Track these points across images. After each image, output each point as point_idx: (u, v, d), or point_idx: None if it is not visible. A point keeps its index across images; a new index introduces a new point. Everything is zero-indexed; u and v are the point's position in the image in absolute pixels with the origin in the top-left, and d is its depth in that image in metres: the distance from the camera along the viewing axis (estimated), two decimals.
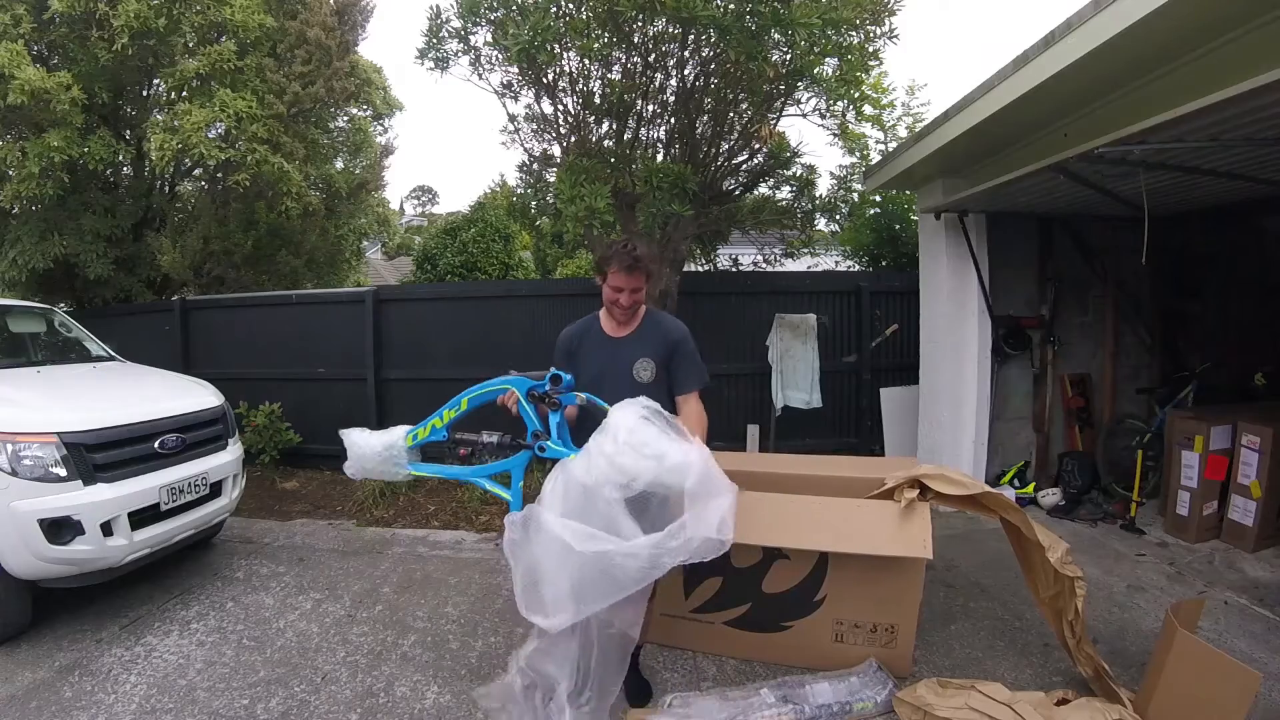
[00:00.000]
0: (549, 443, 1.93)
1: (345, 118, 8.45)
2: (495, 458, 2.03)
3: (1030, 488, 4.54)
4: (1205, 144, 2.55)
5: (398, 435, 2.07)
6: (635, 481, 1.63)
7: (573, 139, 4.49)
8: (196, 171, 7.51)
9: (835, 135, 5.30)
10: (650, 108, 4.44)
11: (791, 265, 6.23)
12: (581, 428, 2.01)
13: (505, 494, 1.98)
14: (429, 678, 2.58)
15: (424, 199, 26.76)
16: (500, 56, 4.25)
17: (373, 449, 2.06)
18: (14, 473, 2.74)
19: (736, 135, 4.67)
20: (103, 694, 2.49)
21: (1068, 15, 2.81)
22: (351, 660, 2.72)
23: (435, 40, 4.19)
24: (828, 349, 5.33)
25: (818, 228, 6.10)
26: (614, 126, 4.45)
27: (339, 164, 8.82)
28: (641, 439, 1.65)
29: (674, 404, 2.20)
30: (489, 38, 4.21)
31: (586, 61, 4.11)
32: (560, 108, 4.48)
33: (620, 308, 2.13)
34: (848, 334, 5.48)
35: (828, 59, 3.89)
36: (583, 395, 1.95)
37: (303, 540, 4.22)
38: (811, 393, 5.18)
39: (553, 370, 1.94)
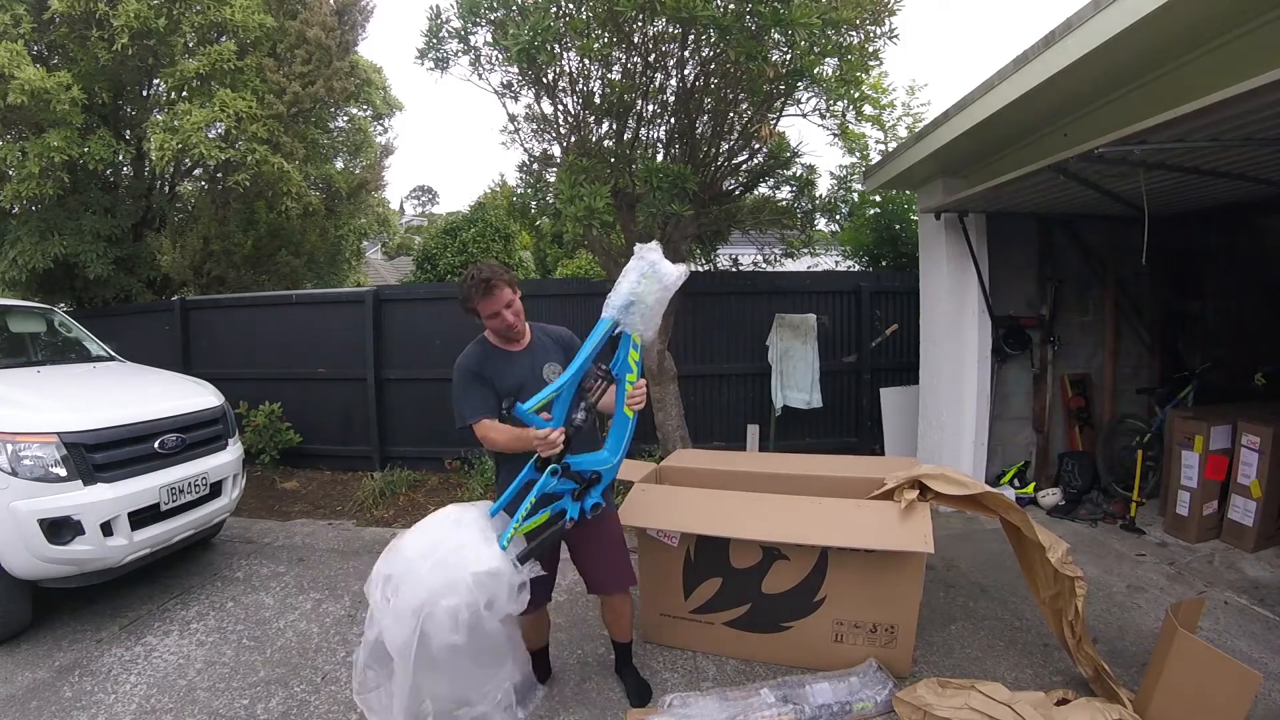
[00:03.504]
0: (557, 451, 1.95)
1: (345, 118, 8.46)
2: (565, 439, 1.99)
3: (1030, 488, 4.54)
4: (1205, 144, 2.55)
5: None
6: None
7: (573, 139, 4.49)
8: (196, 171, 7.51)
9: (835, 135, 5.30)
10: (650, 108, 4.44)
11: (791, 265, 6.23)
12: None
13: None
14: None
15: (424, 199, 26.82)
16: (500, 56, 4.25)
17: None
18: (14, 473, 2.74)
19: (736, 135, 4.67)
20: (103, 694, 2.49)
21: (1068, 15, 2.81)
22: (351, 660, 2.71)
23: (435, 40, 4.20)
24: (828, 349, 5.34)
25: (818, 228, 6.10)
26: (614, 126, 4.45)
27: (339, 164, 8.82)
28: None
29: None
30: (489, 38, 4.22)
31: (586, 61, 4.11)
32: (560, 108, 4.48)
33: (509, 326, 2.15)
34: (848, 334, 5.49)
35: (828, 59, 3.90)
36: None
37: (303, 540, 4.22)
38: (811, 392, 5.18)
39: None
